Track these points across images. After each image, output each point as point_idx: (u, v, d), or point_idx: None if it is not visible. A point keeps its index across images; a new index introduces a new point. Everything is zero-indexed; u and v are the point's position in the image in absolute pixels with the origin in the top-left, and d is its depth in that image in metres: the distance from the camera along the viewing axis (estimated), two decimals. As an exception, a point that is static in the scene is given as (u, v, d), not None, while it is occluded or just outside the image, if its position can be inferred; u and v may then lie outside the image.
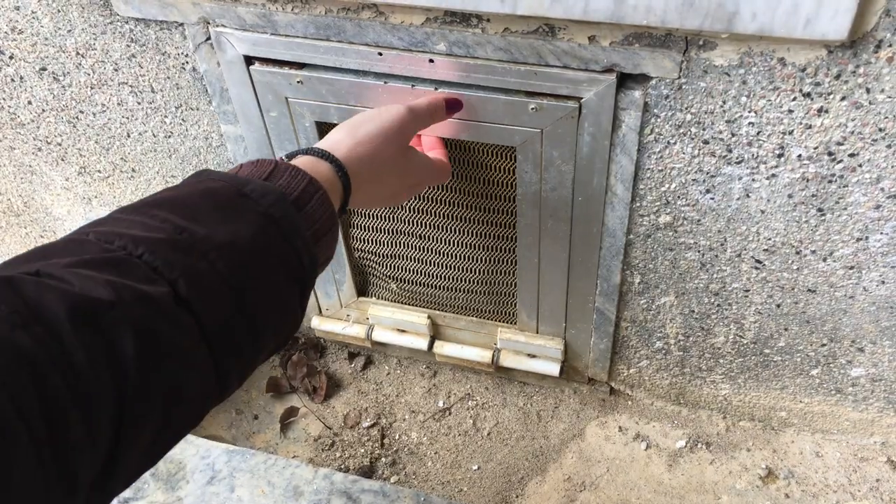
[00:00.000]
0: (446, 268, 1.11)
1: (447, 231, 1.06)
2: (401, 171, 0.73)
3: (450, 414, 1.23)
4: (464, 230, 1.05)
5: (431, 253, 1.09)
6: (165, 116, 1.06)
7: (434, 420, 1.22)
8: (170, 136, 1.08)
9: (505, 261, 1.06)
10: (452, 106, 0.82)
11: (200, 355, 0.44)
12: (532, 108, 0.84)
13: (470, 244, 1.06)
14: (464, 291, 1.13)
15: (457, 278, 1.11)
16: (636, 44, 0.76)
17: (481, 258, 1.07)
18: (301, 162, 0.61)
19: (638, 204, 0.90)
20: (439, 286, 1.14)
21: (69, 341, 0.37)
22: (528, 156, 0.89)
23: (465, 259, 1.08)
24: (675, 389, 1.15)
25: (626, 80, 0.81)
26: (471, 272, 1.10)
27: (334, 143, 0.67)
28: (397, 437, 1.21)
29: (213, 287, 0.45)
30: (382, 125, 0.70)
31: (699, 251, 0.93)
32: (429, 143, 0.89)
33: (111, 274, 0.42)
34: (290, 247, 0.51)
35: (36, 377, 0.35)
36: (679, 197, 0.88)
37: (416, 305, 1.18)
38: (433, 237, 1.07)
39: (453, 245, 1.07)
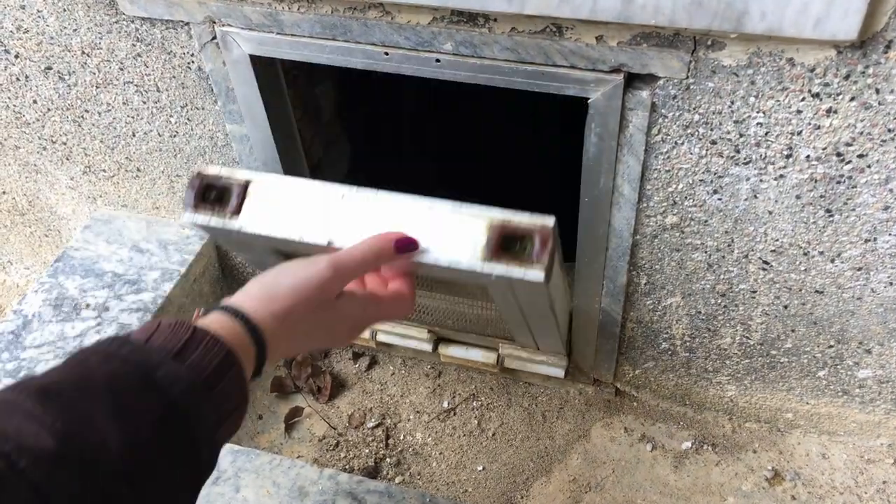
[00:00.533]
0: (439, 313, 1.09)
1: (432, 297, 1.02)
2: (328, 324, 0.66)
3: (455, 414, 1.23)
4: (448, 297, 1.02)
5: (419, 302, 1.06)
6: (171, 116, 1.05)
7: (439, 420, 1.22)
8: (175, 136, 1.08)
9: (494, 315, 1.02)
10: (404, 248, 0.69)
11: None
12: (495, 277, 0.69)
13: (456, 301, 1.03)
14: (460, 329, 1.12)
15: (450, 321, 1.11)
16: (644, 44, 0.76)
17: (470, 312, 1.04)
18: (215, 323, 0.58)
19: (645, 204, 0.90)
20: (435, 321, 1.13)
21: None
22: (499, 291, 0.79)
23: (454, 311, 1.06)
24: (680, 390, 1.15)
25: (633, 81, 0.80)
26: (462, 320, 1.09)
27: (249, 298, 0.62)
28: (402, 437, 1.21)
29: None
30: (297, 284, 0.63)
31: (706, 252, 0.92)
32: (389, 272, 0.75)
33: None
34: (190, 443, 0.50)
35: None
36: (686, 197, 0.87)
37: (418, 324, 1.18)
38: (419, 293, 1.00)
39: (441, 301, 1.04)
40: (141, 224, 1.22)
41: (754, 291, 0.95)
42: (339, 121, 1.34)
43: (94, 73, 1.03)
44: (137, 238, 1.20)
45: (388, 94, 1.62)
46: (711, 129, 0.80)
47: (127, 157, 1.15)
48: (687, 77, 0.77)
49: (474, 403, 1.24)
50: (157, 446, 0.47)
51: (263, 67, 0.95)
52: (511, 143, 1.76)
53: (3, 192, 1.31)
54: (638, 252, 0.96)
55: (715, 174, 0.84)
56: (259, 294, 0.62)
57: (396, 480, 1.16)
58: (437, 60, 0.84)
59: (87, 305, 1.10)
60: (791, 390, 1.07)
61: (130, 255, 1.18)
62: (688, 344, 1.06)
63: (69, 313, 1.10)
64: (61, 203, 1.28)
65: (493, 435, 1.20)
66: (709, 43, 0.73)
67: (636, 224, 0.92)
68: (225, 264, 1.25)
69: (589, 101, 0.82)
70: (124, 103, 1.06)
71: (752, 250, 0.90)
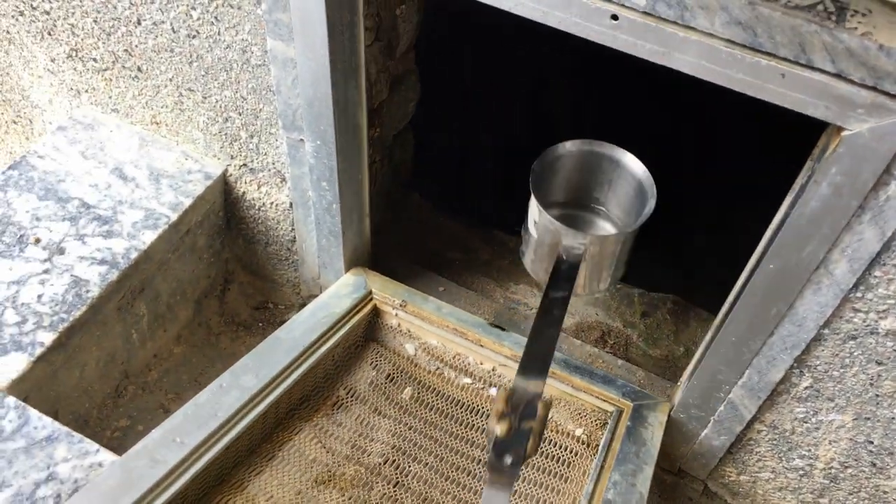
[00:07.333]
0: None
1: None
2: None
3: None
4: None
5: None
6: (193, 8, 0.75)
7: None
8: (194, 37, 0.77)
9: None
10: None
11: None
12: None
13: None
14: None
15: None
16: None
17: None
18: None
19: (859, 294, 0.60)
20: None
21: None
22: None
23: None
24: (791, 512, 0.87)
25: (931, 119, 0.49)
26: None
27: None
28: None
29: None
30: None
31: (923, 377, 0.63)
32: None
33: None
34: None
35: None
36: (931, 302, 0.57)
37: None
38: None
39: None
40: (132, 140, 0.92)
41: (970, 441, 0.66)
42: (412, 55, 1.02)
43: (96, -75, 0.72)
44: (124, 159, 0.90)
45: (490, 32, 1.29)
46: None
47: (126, 50, 0.84)
48: None
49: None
50: None
51: (338, -32, 0.64)
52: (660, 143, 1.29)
53: (-33, 56, 1.00)
54: (815, 349, 0.66)
55: None
56: None
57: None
58: (615, 17, 0.53)
59: (37, 241, 0.81)
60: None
61: (110, 180, 0.88)
62: (834, 472, 0.77)
63: (10, 246, 0.81)
64: (37, 88, 0.98)
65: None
66: None
67: (832, 315, 0.63)
68: (233, 214, 0.95)
69: (843, 133, 0.51)
70: (131, -24, 0.75)
71: None
